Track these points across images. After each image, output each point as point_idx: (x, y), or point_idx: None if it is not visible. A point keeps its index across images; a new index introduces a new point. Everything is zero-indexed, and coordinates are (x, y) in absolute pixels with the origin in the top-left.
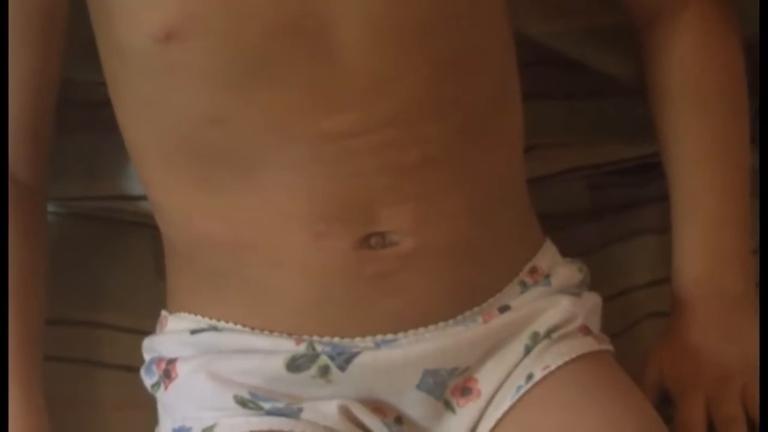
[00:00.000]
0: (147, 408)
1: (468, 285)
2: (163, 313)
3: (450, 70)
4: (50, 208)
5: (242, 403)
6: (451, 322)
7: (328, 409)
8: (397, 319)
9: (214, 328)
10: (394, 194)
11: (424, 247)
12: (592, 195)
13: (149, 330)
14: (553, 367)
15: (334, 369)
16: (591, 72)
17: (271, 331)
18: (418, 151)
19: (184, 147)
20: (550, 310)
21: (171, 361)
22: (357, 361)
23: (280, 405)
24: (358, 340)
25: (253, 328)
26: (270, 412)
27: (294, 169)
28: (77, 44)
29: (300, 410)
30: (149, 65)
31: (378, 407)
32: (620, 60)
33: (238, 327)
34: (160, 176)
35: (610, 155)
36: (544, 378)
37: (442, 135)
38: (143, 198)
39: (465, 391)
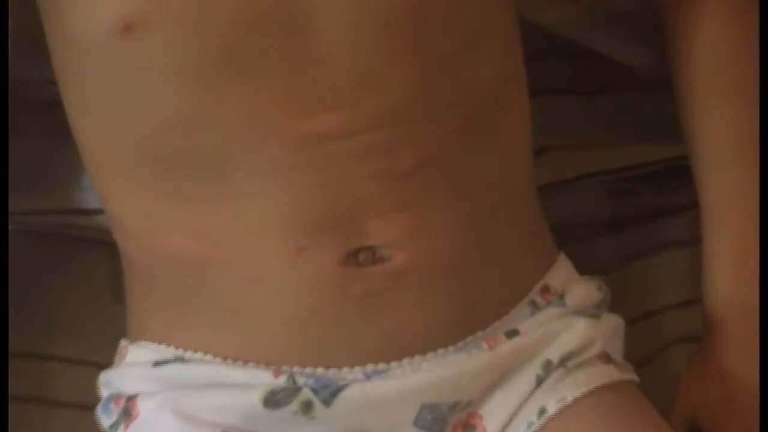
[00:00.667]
0: None
1: (470, 306)
2: (123, 342)
3: (447, 63)
4: None
5: None
6: (451, 349)
7: None
8: (390, 346)
9: (181, 359)
10: (384, 203)
11: (419, 263)
12: (612, 203)
13: (107, 362)
14: (569, 400)
15: (318, 404)
16: (608, 63)
17: (246, 362)
18: (412, 155)
19: (147, 152)
20: (564, 334)
21: (131, 398)
22: (344, 394)
23: None
24: (345, 371)
25: (225, 359)
26: None
27: (272, 175)
28: (25, 37)
29: None
30: (106, 60)
31: None
32: (641, 49)
33: (209, 357)
34: (119, 185)
35: (632, 158)
36: (560, 412)
37: (438, 137)
38: (99, 212)
39: (468, 428)
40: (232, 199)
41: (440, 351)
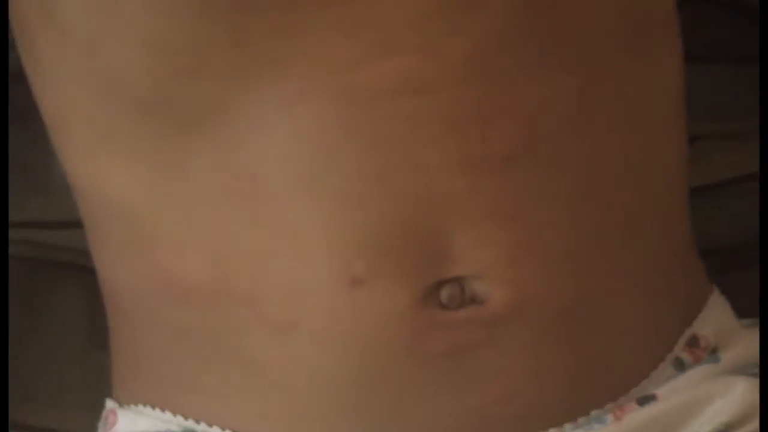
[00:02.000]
0: None
1: (598, 372)
2: (109, 404)
3: None
4: None
5: None
6: (568, 427)
7: None
8: (481, 425)
9: None
10: (474, 207)
11: (526, 305)
12: None
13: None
14: None
15: None
16: None
17: None
18: (510, 131)
19: (137, 117)
20: (718, 400)
21: None
22: None
23: None
24: None
25: None
26: None
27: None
28: None
29: None
30: None
31: None
32: None
33: None
34: (96, 173)
35: None
36: None
37: (548, 103)
38: (71, 225)
39: None
40: (258, 196)
41: (551, 431)
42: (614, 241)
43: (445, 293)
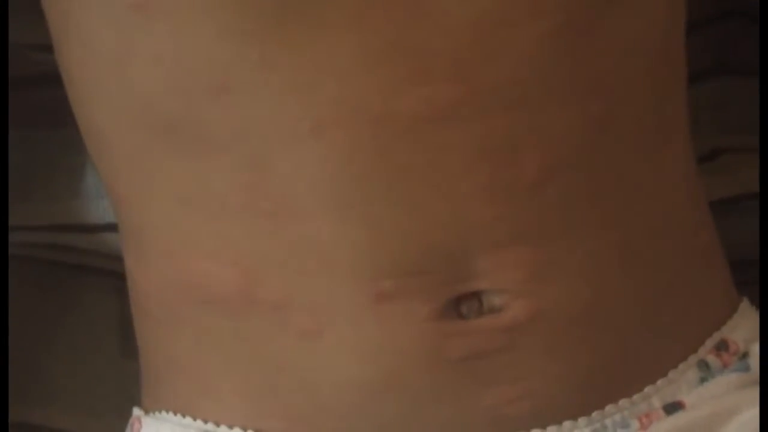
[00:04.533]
0: None
1: (614, 370)
2: (136, 411)
3: (588, 14)
4: None
5: None
6: (582, 422)
7: None
8: (494, 423)
9: None
10: (500, 232)
11: (544, 314)
12: None
13: None
14: None
15: None
16: None
17: None
18: (538, 158)
19: (170, 136)
20: (747, 410)
21: None
22: None
23: None
24: None
25: None
26: None
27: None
28: None
29: None
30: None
31: None
32: None
33: None
34: (135, 184)
35: None
36: None
37: (571, 130)
38: (107, 228)
39: None
40: (286, 216)
41: (566, 425)
42: (634, 254)
43: (464, 306)
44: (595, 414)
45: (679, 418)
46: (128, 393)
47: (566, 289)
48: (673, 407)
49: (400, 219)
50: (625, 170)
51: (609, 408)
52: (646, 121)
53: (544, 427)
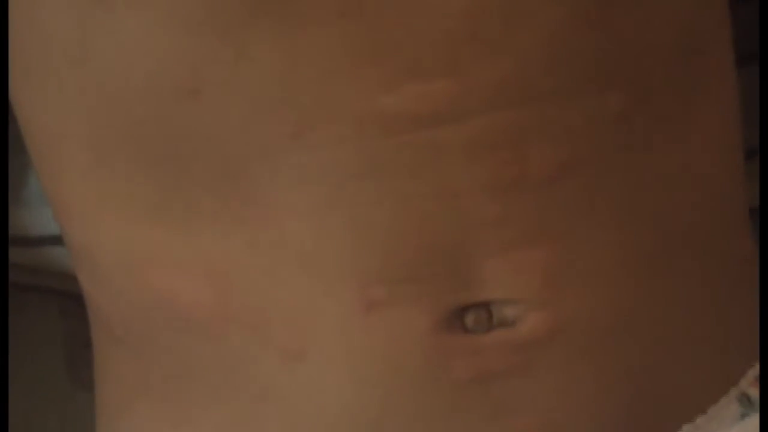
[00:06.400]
0: None
1: (646, 400)
2: None
3: (605, 5)
4: None
5: None
6: None
7: None
8: None
9: None
10: (508, 232)
11: (563, 329)
12: None
13: None
14: None
15: None
16: None
17: None
18: (549, 155)
19: (135, 141)
20: None
21: None
22: None
23: None
24: None
25: None
26: None
27: (325, 182)
28: None
29: None
30: None
31: None
32: None
33: None
34: (88, 194)
35: None
36: None
37: (588, 127)
38: (53, 240)
39: None
40: (264, 221)
41: None
42: (662, 265)
43: (470, 318)
44: None
45: None
46: (80, 425)
47: (584, 303)
48: None
49: (388, 218)
50: (650, 169)
51: None
52: (677, 112)
53: None
